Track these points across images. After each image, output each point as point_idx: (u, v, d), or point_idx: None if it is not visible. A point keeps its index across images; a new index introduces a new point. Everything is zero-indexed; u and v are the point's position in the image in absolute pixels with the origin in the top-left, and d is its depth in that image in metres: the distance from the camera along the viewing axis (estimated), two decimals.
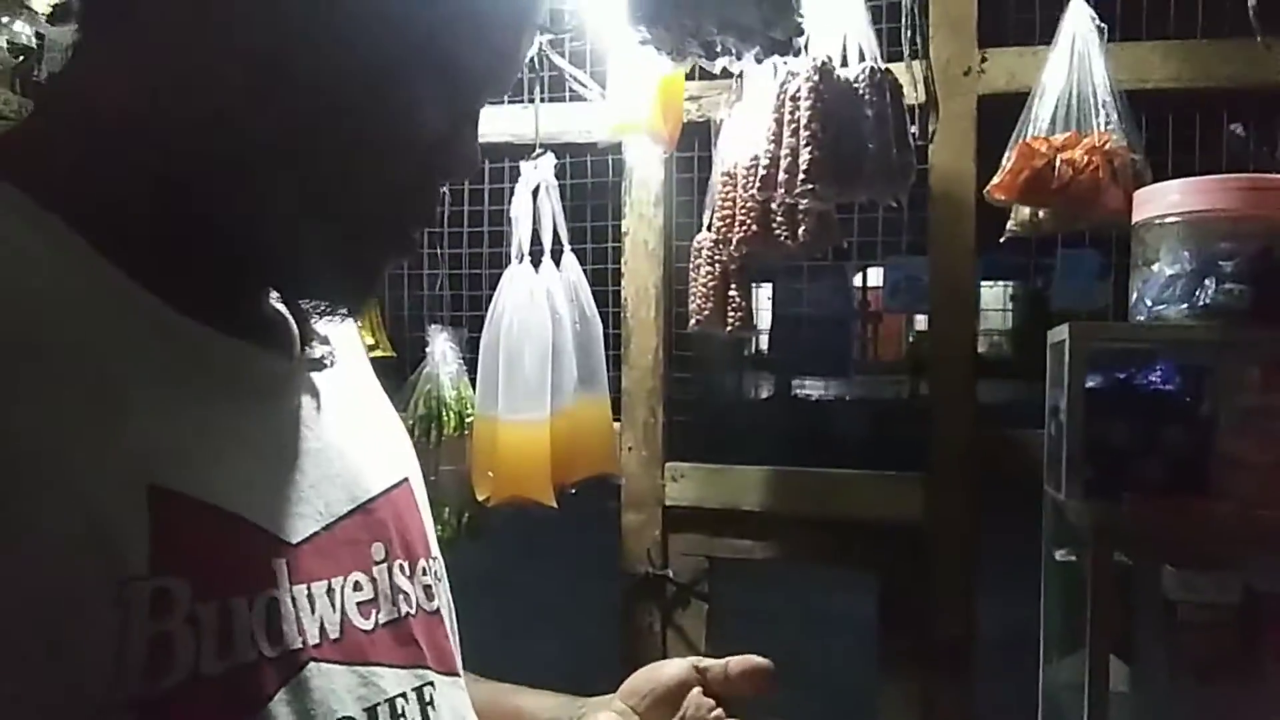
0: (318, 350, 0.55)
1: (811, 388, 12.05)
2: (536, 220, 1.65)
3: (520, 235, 1.65)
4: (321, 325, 0.57)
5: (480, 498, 1.67)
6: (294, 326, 0.56)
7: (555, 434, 1.62)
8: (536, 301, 1.63)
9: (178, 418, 0.46)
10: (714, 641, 1.84)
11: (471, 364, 1.72)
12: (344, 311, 0.52)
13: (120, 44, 0.47)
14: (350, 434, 0.56)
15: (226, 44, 0.46)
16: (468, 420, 1.73)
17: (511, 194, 1.67)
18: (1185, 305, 1.28)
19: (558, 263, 1.68)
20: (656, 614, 1.84)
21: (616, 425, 1.82)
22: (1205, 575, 1.26)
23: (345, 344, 0.60)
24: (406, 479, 0.61)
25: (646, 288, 1.85)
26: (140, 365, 0.45)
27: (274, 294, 0.56)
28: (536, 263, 1.66)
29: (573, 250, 1.71)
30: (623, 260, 1.86)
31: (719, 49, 1.10)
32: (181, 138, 0.47)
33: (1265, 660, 1.24)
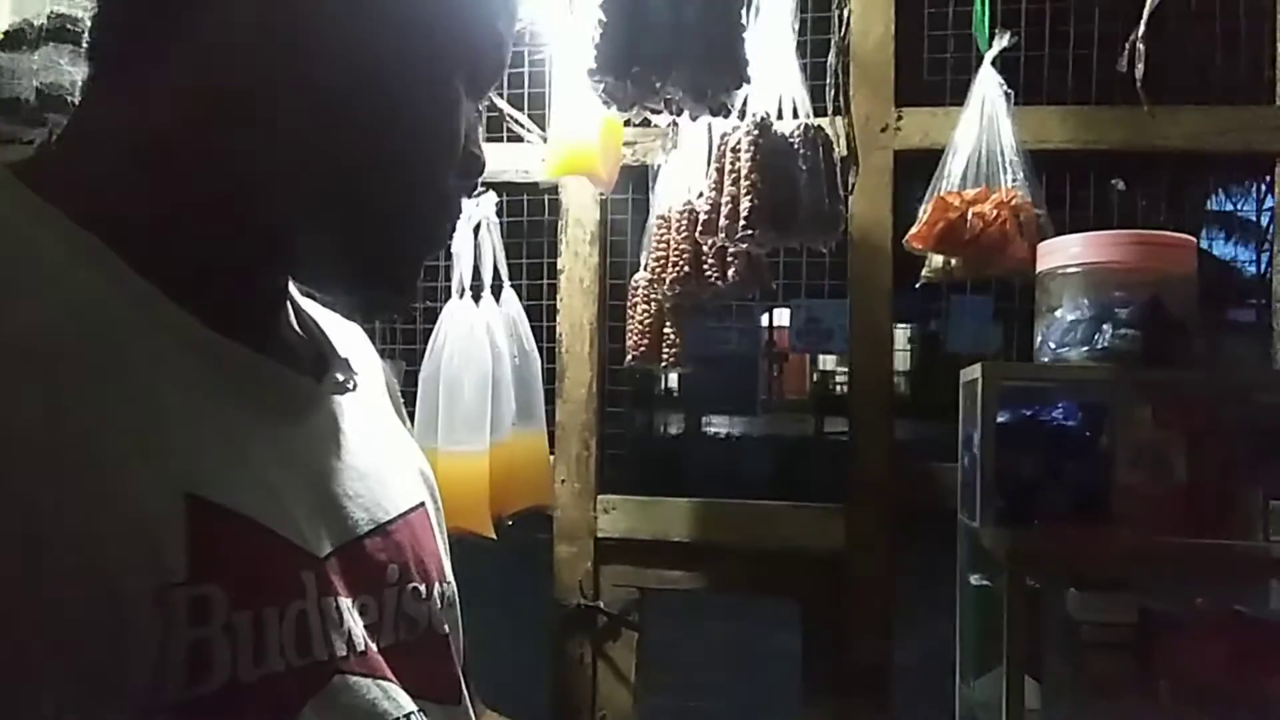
0: (341, 373, 0.57)
1: (720, 425, 12.22)
2: (477, 256, 1.69)
3: (461, 270, 1.68)
4: (343, 349, 0.59)
5: None
6: (317, 349, 0.58)
7: (493, 465, 1.64)
8: (476, 335, 1.66)
9: (211, 430, 0.47)
10: (644, 672, 1.87)
11: (410, 396, 1.73)
12: (388, 311, 0.55)
13: (155, 65, 0.48)
14: (370, 456, 0.57)
15: (264, 61, 0.48)
16: None
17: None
18: (1085, 348, 1.40)
19: (498, 298, 1.72)
20: (588, 645, 1.86)
21: (551, 458, 1.85)
22: (1105, 596, 1.34)
23: (365, 369, 0.61)
24: (423, 503, 0.62)
25: (581, 324, 1.89)
26: (175, 378, 0.46)
27: (294, 317, 0.58)
28: (477, 297, 1.70)
29: (511, 286, 1.75)
30: (558, 297, 1.90)
31: (664, 106, 1.16)
32: (218, 155, 0.48)
33: (1160, 675, 1.34)
